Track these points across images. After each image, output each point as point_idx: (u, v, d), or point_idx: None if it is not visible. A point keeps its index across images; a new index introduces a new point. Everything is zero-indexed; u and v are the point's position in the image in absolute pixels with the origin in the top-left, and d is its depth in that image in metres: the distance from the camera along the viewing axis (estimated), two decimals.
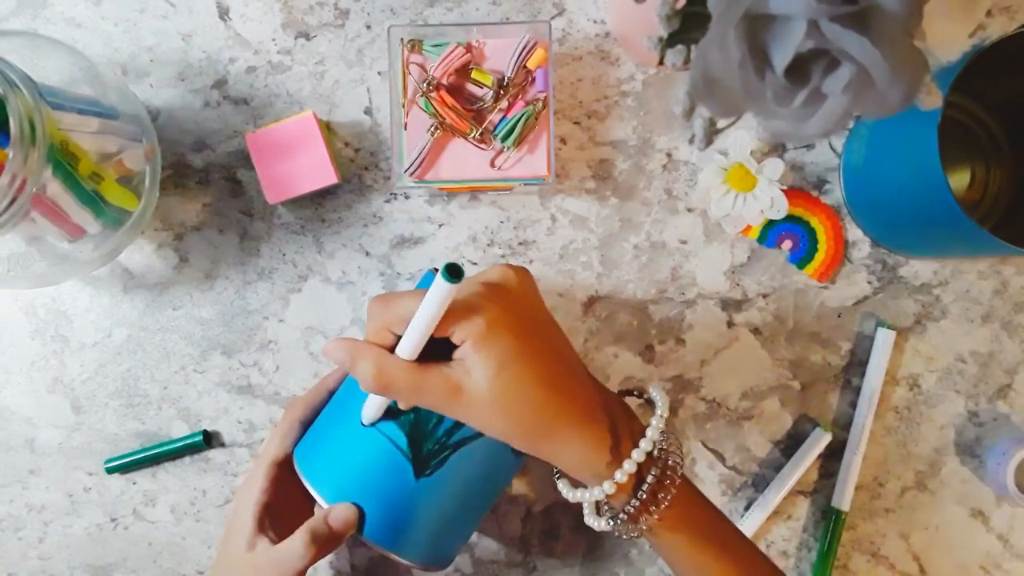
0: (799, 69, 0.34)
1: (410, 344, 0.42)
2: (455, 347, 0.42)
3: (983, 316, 0.62)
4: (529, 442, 0.43)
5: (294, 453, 0.51)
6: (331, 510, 0.47)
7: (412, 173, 0.58)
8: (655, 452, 0.44)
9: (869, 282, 0.62)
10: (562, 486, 0.47)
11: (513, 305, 0.43)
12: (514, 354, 0.41)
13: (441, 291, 0.38)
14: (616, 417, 0.45)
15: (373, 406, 0.46)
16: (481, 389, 0.41)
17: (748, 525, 0.61)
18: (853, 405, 0.62)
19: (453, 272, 0.37)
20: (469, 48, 0.57)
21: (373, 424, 0.47)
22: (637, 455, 0.43)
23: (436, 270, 0.50)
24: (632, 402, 0.52)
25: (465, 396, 0.42)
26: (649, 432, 0.44)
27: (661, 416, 0.45)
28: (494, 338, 0.41)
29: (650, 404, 0.48)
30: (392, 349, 0.43)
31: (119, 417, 0.63)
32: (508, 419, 0.42)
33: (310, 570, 0.48)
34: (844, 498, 0.61)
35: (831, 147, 0.62)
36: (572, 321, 0.62)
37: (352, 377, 0.49)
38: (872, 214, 0.60)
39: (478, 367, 0.41)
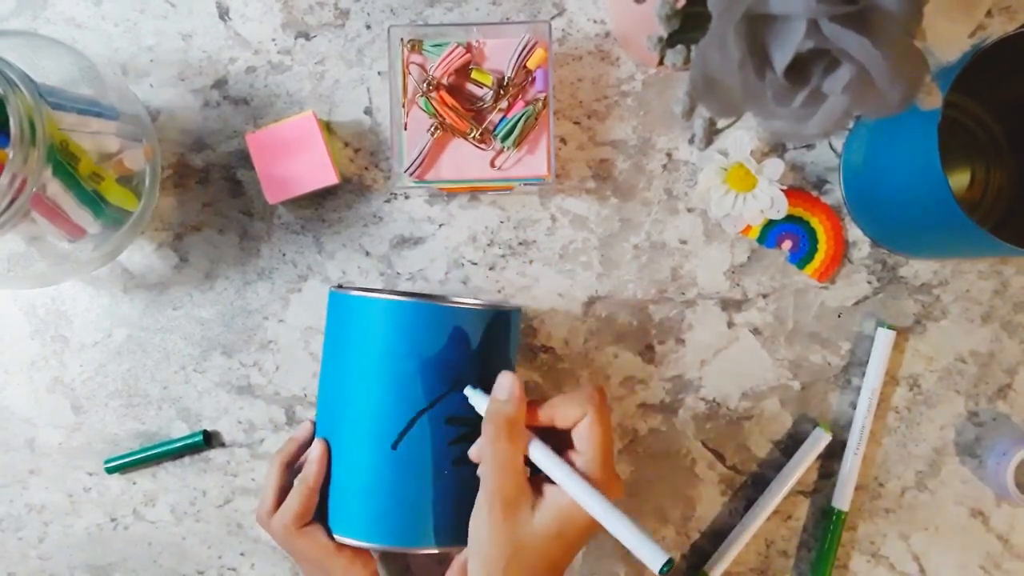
0: (799, 69, 0.34)
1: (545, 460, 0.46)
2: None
3: (983, 316, 0.62)
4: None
5: (332, 527, 0.51)
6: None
7: (412, 173, 0.58)
8: None
9: (869, 282, 0.62)
10: None
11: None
12: (584, 534, 0.45)
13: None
14: None
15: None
16: (544, 520, 0.44)
17: (748, 525, 0.61)
18: (853, 405, 0.62)
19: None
20: (469, 48, 0.57)
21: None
22: None
23: (340, 287, 0.52)
24: None
25: (518, 518, 0.44)
26: None
27: None
28: (576, 528, 0.45)
29: None
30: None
31: (119, 417, 0.63)
32: (510, 552, 0.44)
33: None
34: (844, 498, 0.61)
35: (831, 147, 0.62)
36: (572, 321, 0.62)
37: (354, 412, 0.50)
38: (872, 214, 0.60)
39: (549, 519, 0.44)
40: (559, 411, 0.46)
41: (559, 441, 0.47)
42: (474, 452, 0.47)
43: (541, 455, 0.45)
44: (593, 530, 0.45)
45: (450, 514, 0.50)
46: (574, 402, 0.46)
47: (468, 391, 0.49)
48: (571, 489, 0.44)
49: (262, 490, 0.53)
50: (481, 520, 0.45)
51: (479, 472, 0.46)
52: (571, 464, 0.45)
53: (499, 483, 0.45)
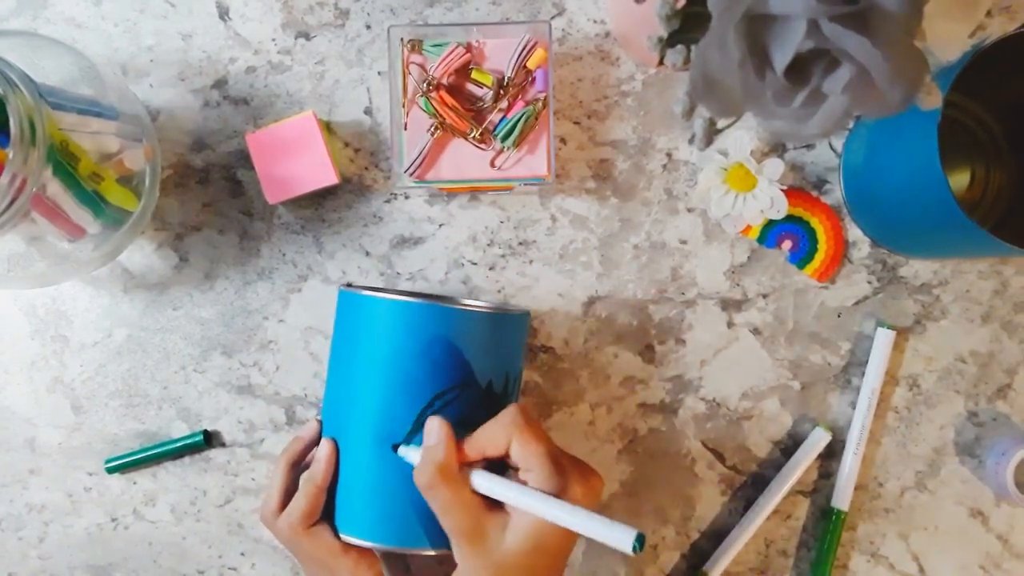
0: (799, 69, 0.34)
1: (489, 485, 0.46)
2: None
3: (983, 316, 0.62)
4: None
5: (339, 528, 0.51)
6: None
7: (412, 173, 0.58)
8: None
9: (869, 282, 0.62)
10: None
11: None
12: (567, 541, 0.46)
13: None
14: None
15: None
16: (517, 538, 0.45)
17: (748, 525, 0.61)
18: (853, 405, 0.62)
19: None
20: (469, 48, 0.57)
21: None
22: None
23: (348, 285, 0.52)
24: None
25: (488, 543, 0.45)
26: None
27: None
28: (555, 537, 0.45)
29: None
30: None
31: (119, 417, 0.63)
32: None
33: None
34: (844, 498, 0.61)
35: (831, 147, 0.62)
36: (572, 321, 0.62)
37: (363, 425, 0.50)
38: (872, 214, 0.60)
39: (523, 535, 0.44)
40: (486, 443, 0.47)
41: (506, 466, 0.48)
42: (418, 484, 0.48)
43: (484, 483, 0.46)
44: (575, 536, 0.45)
45: None
46: (496, 429, 0.47)
47: (401, 449, 0.49)
48: (520, 503, 0.44)
49: (266, 490, 0.53)
50: (456, 553, 0.46)
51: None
52: (525, 484, 0.45)
53: (452, 523, 0.45)
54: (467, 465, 0.47)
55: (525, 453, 0.46)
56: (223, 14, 0.62)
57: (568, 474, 0.46)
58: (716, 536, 0.63)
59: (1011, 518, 0.63)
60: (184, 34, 0.62)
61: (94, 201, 0.52)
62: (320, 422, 0.54)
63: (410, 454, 0.48)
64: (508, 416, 0.47)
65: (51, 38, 0.53)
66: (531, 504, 0.44)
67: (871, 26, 0.32)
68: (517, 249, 0.62)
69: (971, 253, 0.58)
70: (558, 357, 0.62)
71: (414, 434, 0.49)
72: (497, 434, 0.47)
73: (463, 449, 0.47)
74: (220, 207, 0.62)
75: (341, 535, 0.50)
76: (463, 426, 0.49)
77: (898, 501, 0.63)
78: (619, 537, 0.40)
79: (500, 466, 0.47)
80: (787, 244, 0.62)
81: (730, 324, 0.63)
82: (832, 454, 0.62)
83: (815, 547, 0.63)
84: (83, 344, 0.63)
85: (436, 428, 0.47)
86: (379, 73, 0.62)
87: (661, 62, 0.39)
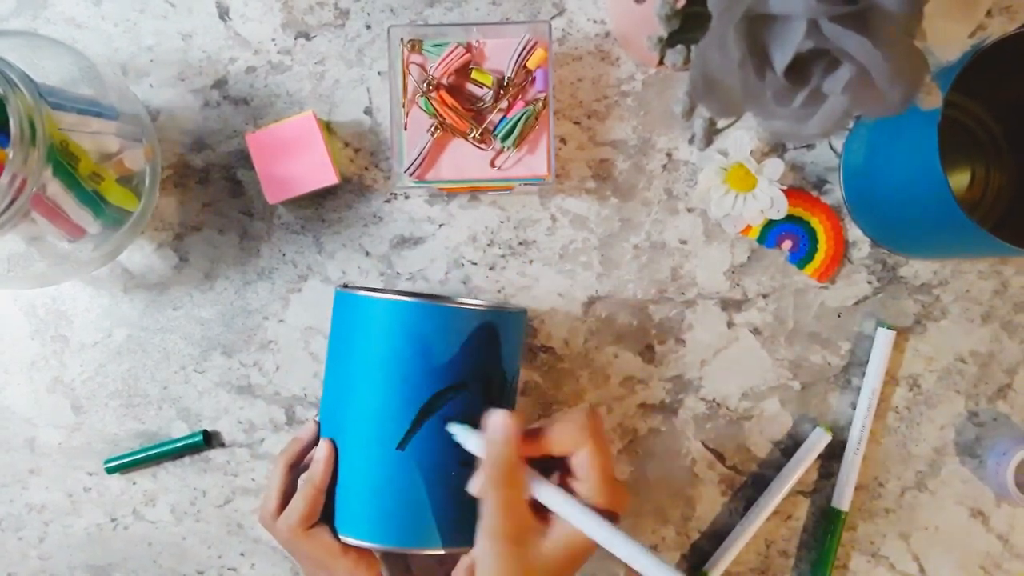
0: (799, 69, 0.34)
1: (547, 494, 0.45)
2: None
3: (983, 316, 0.62)
4: None
5: (338, 529, 0.51)
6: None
7: (412, 173, 0.58)
8: None
9: (869, 282, 0.62)
10: None
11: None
12: (594, 548, 0.45)
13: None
14: None
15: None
16: (555, 546, 0.44)
17: (748, 525, 0.61)
18: (853, 405, 0.62)
19: None
20: (469, 48, 0.57)
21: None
22: None
23: (345, 286, 0.52)
24: None
25: (527, 549, 0.44)
26: None
27: None
28: (584, 549, 0.45)
29: None
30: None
31: (119, 417, 0.63)
32: None
33: None
34: (844, 498, 0.61)
35: (831, 147, 0.62)
36: (572, 321, 0.62)
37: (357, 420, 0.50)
38: (872, 214, 0.60)
39: (559, 545, 0.44)
40: (555, 440, 0.46)
41: (554, 462, 0.47)
42: (474, 488, 0.47)
43: (548, 496, 0.45)
44: (594, 549, 0.45)
45: (457, 515, 0.50)
46: (570, 431, 0.46)
47: (453, 428, 0.48)
48: (583, 526, 0.44)
49: (265, 491, 0.53)
50: (487, 556, 0.45)
51: (481, 506, 0.46)
52: (571, 491, 0.45)
53: (501, 525, 0.44)
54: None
55: (592, 464, 0.45)
56: (223, 14, 0.62)
57: (615, 491, 0.46)
58: (716, 536, 0.63)
59: (1011, 518, 0.63)
60: (184, 34, 0.62)
61: (94, 201, 0.52)
62: (318, 423, 0.54)
63: (461, 433, 0.48)
64: (582, 420, 0.46)
65: (51, 38, 0.53)
66: (590, 527, 0.44)
67: (871, 26, 0.32)
68: (517, 249, 0.62)
69: (971, 253, 0.58)
70: (558, 357, 0.62)
71: (413, 433, 0.48)
72: (568, 437, 0.46)
73: (528, 443, 0.46)
74: (220, 207, 0.62)
75: (340, 536, 0.50)
76: (461, 423, 0.49)
77: (898, 501, 0.63)
78: None
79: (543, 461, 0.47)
80: (787, 244, 0.62)
81: (730, 324, 0.62)
82: (832, 454, 0.62)
83: (815, 547, 0.63)
84: (83, 344, 0.63)
85: (502, 424, 0.45)
86: (379, 73, 0.62)
87: (661, 62, 0.39)
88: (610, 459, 0.46)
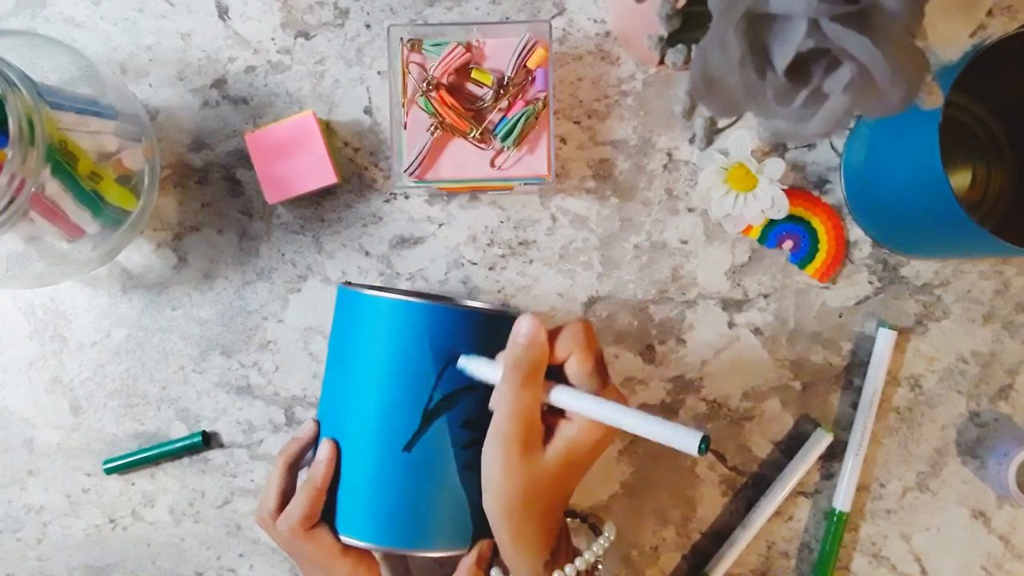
0: (800, 69, 0.34)
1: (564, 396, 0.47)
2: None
3: (984, 316, 0.62)
4: (507, 511, 0.46)
5: (339, 530, 0.51)
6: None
7: (412, 173, 0.57)
8: (593, 570, 0.49)
9: (870, 282, 0.62)
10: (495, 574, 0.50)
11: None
12: (590, 457, 0.47)
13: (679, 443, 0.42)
14: (563, 531, 0.49)
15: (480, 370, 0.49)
16: (556, 452, 0.46)
17: (749, 526, 0.61)
18: (854, 405, 0.62)
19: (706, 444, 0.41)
20: (469, 48, 0.57)
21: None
22: (580, 563, 0.47)
23: (348, 283, 0.52)
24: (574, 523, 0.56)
25: (534, 455, 0.46)
26: (595, 547, 0.48)
27: (608, 537, 0.49)
28: (602, 440, 0.47)
29: (593, 530, 0.53)
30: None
31: (118, 417, 0.63)
32: (526, 486, 0.46)
33: None
34: (845, 499, 0.61)
35: (832, 147, 0.62)
36: None
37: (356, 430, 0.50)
38: (873, 214, 0.60)
39: (572, 441, 0.46)
40: (559, 347, 0.47)
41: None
42: (493, 399, 0.48)
43: (566, 397, 0.46)
44: (597, 451, 0.47)
45: (460, 518, 0.50)
46: (567, 337, 0.47)
47: (463, 359, 0.49)
48: (602, 416, 0.45)
49: (264, 491, 0.53)
50: (495, 459, 0.46)
51: (492, 409, 0.47)
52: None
53: (516, 429, 0.45)
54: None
55: (582, 368, 0.46)
56: (222, 13, 0.62)
57: (614, 391, 0.48)
58: (717, 537, 0.62)
59: (1013, 519, 0.62)
60: (183, 33, 0.62)
61: (93, 201, 0.51)
62: (318, 422, 0.54)
63: (473, 364, 0.48)
64: (576, 327, 0.47)
65: (50, 37, 0.53)
66: (611, 413, 0.44)
67: (872, 26, 0.32)
68: (517, 249, 0.62)
69: (972, 253, 0.57)
70: None
71: (420, 435, 0.48)
72: (566, 343, 0.47)
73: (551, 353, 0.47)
74: (219, 207, 0.62)
75: (341, 536, 0.50)
76: (467, 426, 0.49)
77: (900, 502, 0.63)
78: (686, 439, 0.41)
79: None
80: (788, 244, 0.62)
81: (731, 324, 0.62)
82: (833, 455, 0.62)
83: (817, 548, 0.63)
84: (82, 344, 0.62)
85: (531, 326, 0.46)
86: (379, 73, 0.62)
87: (661, 62, 0.39)
88: (600, 355, 0.47)
